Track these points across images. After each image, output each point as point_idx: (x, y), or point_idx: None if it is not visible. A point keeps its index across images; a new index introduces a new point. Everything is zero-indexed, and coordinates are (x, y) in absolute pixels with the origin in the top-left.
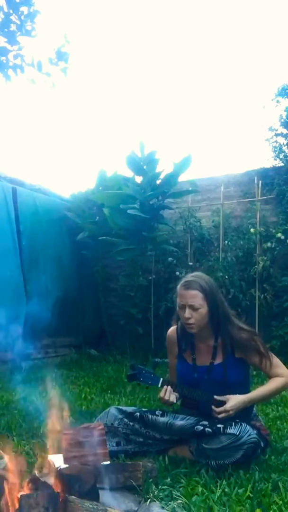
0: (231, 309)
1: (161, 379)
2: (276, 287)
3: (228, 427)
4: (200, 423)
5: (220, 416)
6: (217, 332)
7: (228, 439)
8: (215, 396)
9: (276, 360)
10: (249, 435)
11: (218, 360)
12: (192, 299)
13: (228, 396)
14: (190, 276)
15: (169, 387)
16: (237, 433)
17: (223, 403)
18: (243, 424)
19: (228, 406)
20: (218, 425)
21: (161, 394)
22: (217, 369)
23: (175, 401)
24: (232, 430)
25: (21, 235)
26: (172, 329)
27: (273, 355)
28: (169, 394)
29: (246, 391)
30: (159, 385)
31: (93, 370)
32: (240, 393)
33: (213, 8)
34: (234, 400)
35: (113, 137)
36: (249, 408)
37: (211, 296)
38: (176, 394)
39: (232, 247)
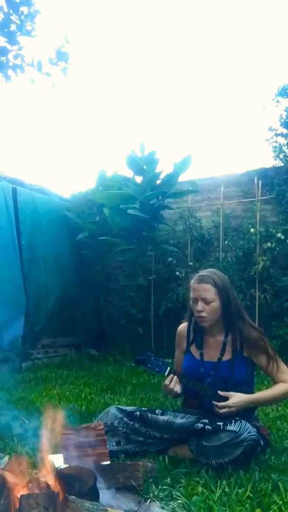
0: (249, 316)
1: (168, 367)
2: (276, 287)
3: (228, 424)
4: (200, 421)
5: (221, 411)
6: (228, 328)
7: (227, 436)
8: (219, 392)
9: (283, 366)
10: (249, 432)
11: (226, 357)
12: (204, 292)
13: (231, 393)
14: (204, 271)
15: (175, 376)
16: (237, 430)
17: (226, 399)
18: (243, 421)
19: (230, 402)
20: (218, 423)
21: (166, 382)
22: (224, 365)
23: (179, 392)
24: (232, 427)
25: (21, 235)
26: (183, 325)
27: (281, 361)
28: (174, 384)
29: (250, 391)
30: (166, 373)
31: (93, 370)
32: (244, 393)
33: (213, 8)
34: (237, 398)
35: (113, 137)
36: (251, 410)
37: (224, 291)
38: (181, 385)
39: (232, 247)
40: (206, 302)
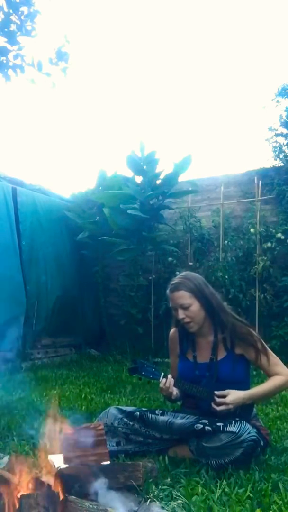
0: (232, 309)
1: (163, 373)
2: (276, 287)
3: (228, 425)
4: (200, 421)
5: (219, 408)
6: (216, 326)
7: (227, 437)
8: (216, 392)
9: (275, 359)
10: (249, 433)
11: (219, 357)
12: (180, 300)
13: (228, 391)
14: (175, 279)
15: (170, 376)
16: (237, 431)
17: (223, 397)
18: (242, 422)
19: (228, 399)
20: (218, 424)
21: (161, 385)
22: (217, 365)
23: (175, 394)
24: (231, 428)
25: (21, 235)
26: (174, 330)
27: (272, 353)
28: (170, 385)
29: (246, 388)
30: (160, 379)
31: (93, 370)
32: (240, 390)
33: (213, 8)
34: (234, 395)
35: (113, 137)
36: (250, 408)
37: (198, 291)
38: (176, 390)
39: (232, 247)
40: (185, 308)
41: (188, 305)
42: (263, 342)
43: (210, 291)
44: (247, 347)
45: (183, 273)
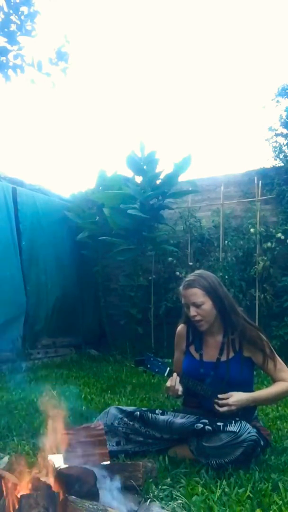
0: (243, 312)
1: (168, 368)
2: (276, 287)
3: (228, 425)
4: (200, 421)
5: (221, 409)
6: (226, 326)
7: (228, 437)
8: (219, 395)
9: (282, 365)
10: (249, 432)
11: (225, 357)
12: (193, 297)
13: (231, 393)
14: (190, 276)
15: (175, 375)
16: (237, 431)
17: (226, 399)
18: (242, 422)
19: (231, 400)
20: (218, 423)
21: (168, 383)
22: (223, 366)
23: (180, 393)
24: (232, 427)
25: (21, 235)
26: (182, 326)
27: (279, 359)
28: (175, 382)
29: (250, 390)
30: (166, 374)
31: (93, 370)
32: (244, 392)
33: (213, 8)
34: (237, 396)
35: (113, 137)
36: (251, 409)
37: (212, 290)
38: (181, 387)
39: (232, 247)
40: (197, 305)
41: (200, 303)
42: (272, 347)
43: (223, 291)
44: (255, 351)
45: (198, 271)
